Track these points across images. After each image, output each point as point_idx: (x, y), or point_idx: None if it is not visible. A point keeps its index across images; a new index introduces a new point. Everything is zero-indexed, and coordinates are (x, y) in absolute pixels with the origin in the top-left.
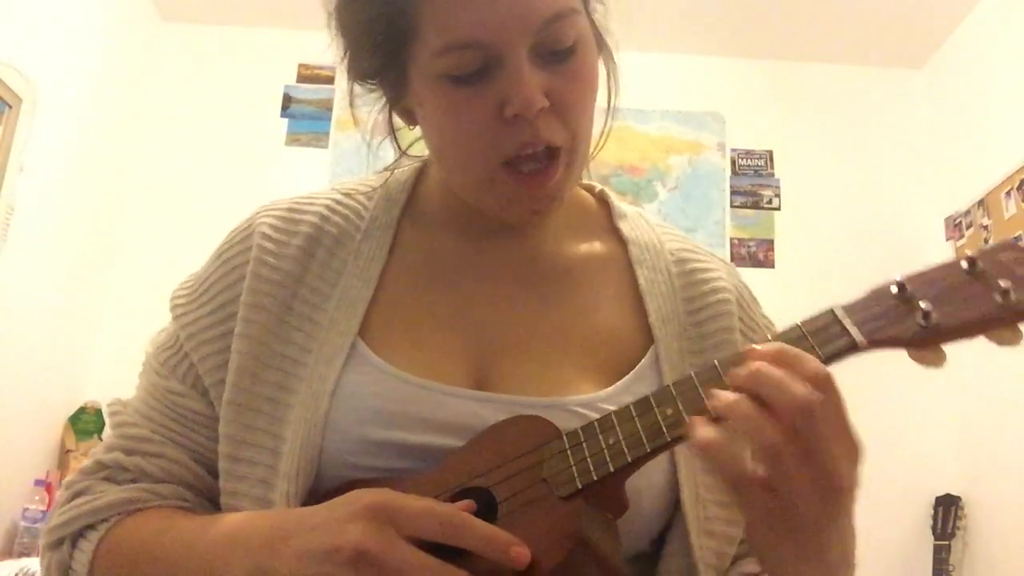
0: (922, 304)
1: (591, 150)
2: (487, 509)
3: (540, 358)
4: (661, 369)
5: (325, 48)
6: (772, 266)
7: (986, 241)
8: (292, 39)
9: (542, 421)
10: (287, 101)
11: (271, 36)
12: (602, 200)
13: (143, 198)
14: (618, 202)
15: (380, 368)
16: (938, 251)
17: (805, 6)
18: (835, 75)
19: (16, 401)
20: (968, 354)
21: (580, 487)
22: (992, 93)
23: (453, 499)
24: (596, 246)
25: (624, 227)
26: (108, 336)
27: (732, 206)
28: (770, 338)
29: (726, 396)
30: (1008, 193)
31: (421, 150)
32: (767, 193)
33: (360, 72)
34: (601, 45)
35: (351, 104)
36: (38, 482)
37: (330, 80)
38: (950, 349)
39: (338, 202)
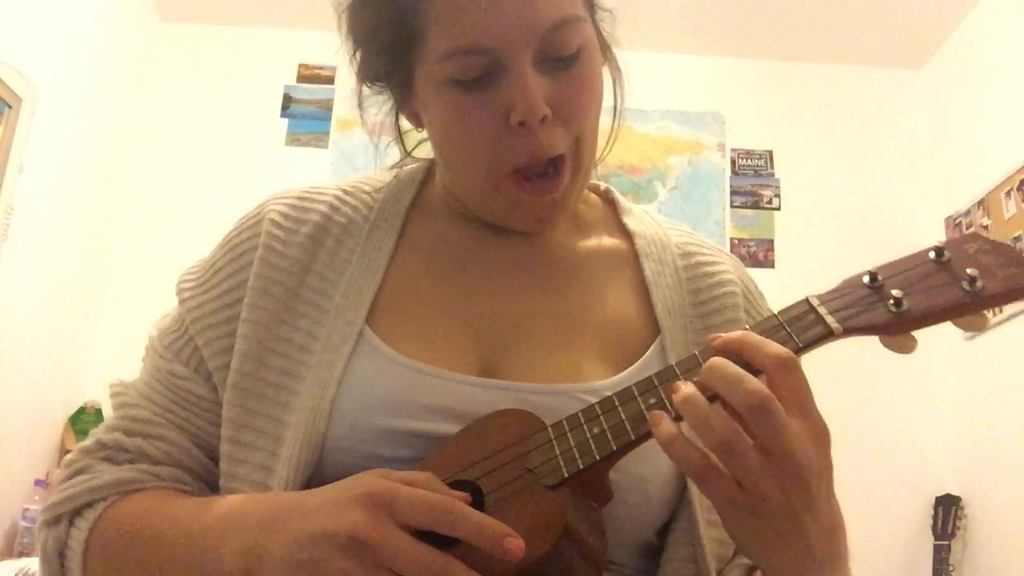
0: (894, 292)
1: (596, 155)
2: (474, 502)
3: (547, 346)
4: (667, 359)
5: (325, 48)
6: (772, 266)
7: None
8: (292, 39)
9: (526, 414)
10: (287, 101)
11: (271, 36)
12: (608, 199)
13: (143, 198)
14: (623, 200)
15: (388, 356)
16: None
17: (805, 6)
18: (835, 75)
19: (16, 401)
20: (969, 354)
21: (566, 476)
22: (992, 93)
23: None
24: (603, 240)
25: (630, 222)
26: (108, 336)
27: (732, 206)
28: (747, 328)
29: (683, 391)
30: (1008, 193)
31: (427, 152)
32: (767, 193)
33: (368, 74)
34: (607, 52)
35: (359, 106)
36: (38, 482)
37: (330, 80)
38: (946, 353)
39: (347, 193)
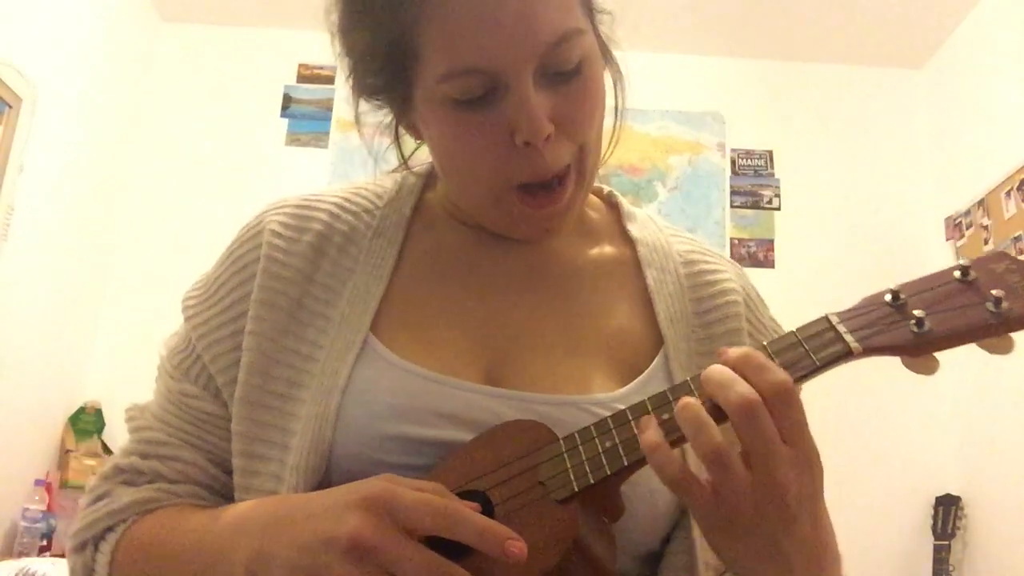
0: (916, 312)
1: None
2: (483, 512)
3: (551, 355)
4: (671, 369)
5: (325, 48)
6: (772, 266)
7: (986, 241)
8: (292, 39)
9: (538, 425)
10: (287, 101)
11: (271, 36)
12: (611, 203)
13: (143, 198)
14: (627, 204)
15: (392, 363)
16: (938, 251)
17: (805, 6)
18: (835, 75)
19: (16, 401)
20: (969, 355)
21: (577, 490)
22: (992, 93)
23: None
24: (606, 248)
25: (633, 229)
26: (108, 336)
27: (732, 206)
28: (764, 345)
29: (683, 401)
30: (1008, 193)
31: (426, 156)
32: (767, 193)
33: (365, 89)
34: (608, 57)
35: (356, 120)
36: (38, 482)
37: (330, 80)
38: (946, 354)
39: (349, 200)
